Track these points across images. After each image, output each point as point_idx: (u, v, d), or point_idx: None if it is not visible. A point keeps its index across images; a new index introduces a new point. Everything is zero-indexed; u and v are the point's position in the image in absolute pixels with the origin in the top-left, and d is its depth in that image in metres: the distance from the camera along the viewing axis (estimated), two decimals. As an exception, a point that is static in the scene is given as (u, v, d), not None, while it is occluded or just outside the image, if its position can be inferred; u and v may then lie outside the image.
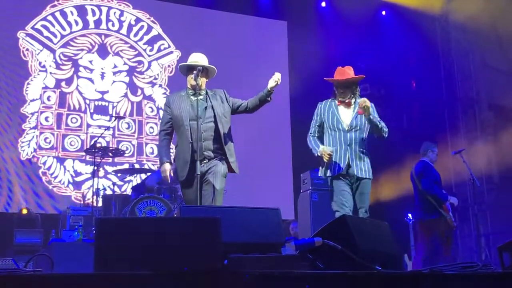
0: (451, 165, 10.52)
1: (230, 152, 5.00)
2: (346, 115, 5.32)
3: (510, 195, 8.16)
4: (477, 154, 7.89)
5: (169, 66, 10.07)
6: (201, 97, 5.00)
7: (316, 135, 5.38)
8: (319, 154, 5.19)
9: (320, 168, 5.36)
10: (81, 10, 9.75)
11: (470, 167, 8.26)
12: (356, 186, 5.20)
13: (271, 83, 5.02)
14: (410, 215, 8.58)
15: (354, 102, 5.35)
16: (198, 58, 5.15)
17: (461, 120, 10.86)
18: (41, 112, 9.15)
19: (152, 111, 9.81)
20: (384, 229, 3.76)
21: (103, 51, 9.72)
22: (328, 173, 5.24)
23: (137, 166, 9.27)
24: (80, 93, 9.40)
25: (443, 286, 2.75)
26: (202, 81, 5.03)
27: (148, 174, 8.40)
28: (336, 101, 5.39)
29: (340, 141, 5.24)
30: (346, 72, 5.39)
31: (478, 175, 8.40)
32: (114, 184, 8.26)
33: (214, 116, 4.97)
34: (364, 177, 5.20)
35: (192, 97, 5.04)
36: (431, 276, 2.89)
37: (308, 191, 7.31)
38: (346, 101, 5.34)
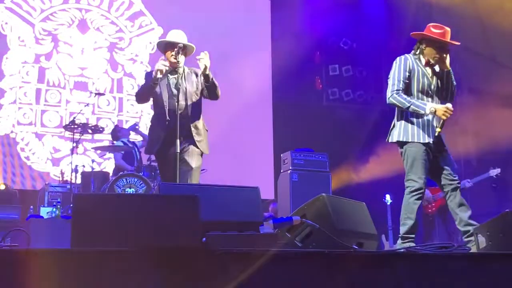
0: (430, 147, 10.59)
1: (197, 131, 4.96)
2: (432, 79, 4.74)
3: (488, 179, 8.28)
4: (456, 138, 7.97)
5: (150, 43, 9.96)
6: (178, 75, 4.96)
7: (402, 91, 4.61)
8: (428, 112, 4.48)
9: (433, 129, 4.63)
10: (61, -16, 9.60)
11: (448, 150, 8.34)
12: (441, 156, 4.72)
13: (200, 63, 4.80)
14: (388, 196, 8.68)
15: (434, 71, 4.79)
16: (177, 36, 5.08)
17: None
18: (20, 87, 9.03)
19: (133, 88, 9.71)
20: (362, 209, 3.79)
21: (83, 27, 9.58)
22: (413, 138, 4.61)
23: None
24: (60, 68, 9.28)
25: (418, 266, 2.78)
26: (181, 58, 4.99)
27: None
28: (423, 61, 4.74)
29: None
30: (448, 34, 4.72)
31: (456, 158, 8.46)
32: (93, 161, 8.21)
33: (185, 94, 4.93)
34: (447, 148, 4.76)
35: (169, 75, 5.00)
36: (406, 256, 2.93)
37: (288, 171, 7.33)
38: (431, 63, 4.73)
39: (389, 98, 4.65)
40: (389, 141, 4.84)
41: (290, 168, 7.33)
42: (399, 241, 4.53)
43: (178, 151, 4.74)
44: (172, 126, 4.81)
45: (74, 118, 7.72)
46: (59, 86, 9.25)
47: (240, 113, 9.54)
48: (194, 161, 4.84)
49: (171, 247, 2.44)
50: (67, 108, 9.21)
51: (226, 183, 3.65)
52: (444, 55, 4.67)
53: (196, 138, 4.95)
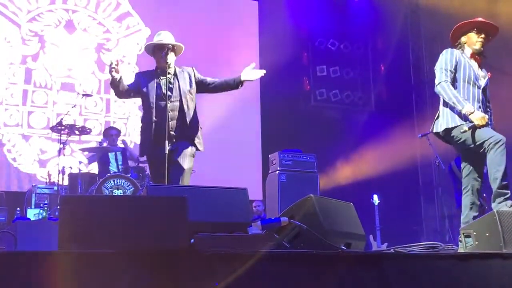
0: (418, 147, 10.67)
1: (194, 131, 4.98)
2: (480, 72, 4.73)
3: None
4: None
5: (138, 44, 9.93)
6: (169, 76, 4.95)
7: (450, 82, 4.60)
8: (464, 111, 4.46)
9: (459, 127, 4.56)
10: (48, -15, 9.54)
11: (436, 150, 8.40)
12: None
13: (246, 76, 5.02)
14: (375, 196, 8.71)
15: (481, 64, 4.79)
16: (164, 37, 5.07)
17: (428, 104, 10.99)
18: (6, 88, 8.96)
19: (120, 89, 9.66)
20: (349, 209, 3.80)
21: (70, 27, 9.53)
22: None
23: (104, 144, 9.16)
24: (46, 69, 9.23)
25: (406, 266, 2.80)
26: (171, 59, 4.98)
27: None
28: (468, 54, 4.75)
29: (474, 96, 4.63)
30: (479, 18, 4.75)
31: (443, 157, 8.53)
32: (80, 162, 8.17)
33: (180, 95, 4.94)
34: None
35: (161, 76, 4.99)
36: (394, 256, 2.94)
37: (276, 172, 7.33)
38: (478, 57, 4.75)
39: (436, 86, 4.67)
40: (435, 131, 4.78)
41: (278, 168, 7.33)
42: (497, 201, 4.36)
43: (167, 152, 4.74)
44: (162, 127, 4.80)
45: (61, 119, 7.68)
46: (46, 87, 9.19)
47: (228, 113, 9.54)
48: (186, 162, 4.84)
49: (159, 248, 2.44)
50: (54, 109, 9.15)
51: (214, 184, 3.64)
52: (484, 36, 4.71)
53: (193, 136, 4.96)
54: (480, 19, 4.78)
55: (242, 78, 5.04)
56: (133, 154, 8.47)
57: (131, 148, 8.86)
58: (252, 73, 5.08)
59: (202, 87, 5.13)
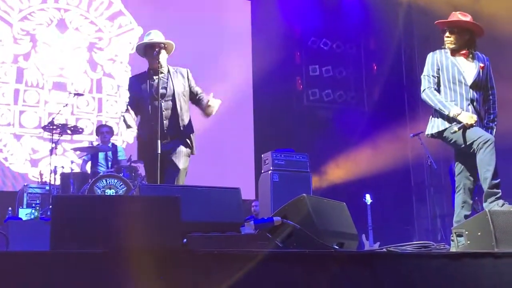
0: (410, 147, 10.71)
1: (187, 131, 4.97)
2: (468, 68, 4.67)
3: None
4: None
5: (130, 43, 9.91)
6: (162, 75, 4.93)
7: (434, 88, 4.66)
8: (451, 115, 4.50)
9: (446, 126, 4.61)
10: (39, -17, 9.50)
11: (428, 150, 8.43)
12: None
13: (208, 110, 5.01)
14: (368, 196, 8.73)
15: (473, 56, 4.71)
16: (154, 36, 5.05)
17: (420, 103, 11.02)
18: (-3, 88, 8.93)
19: (112, 88, 9.65)
20: (342, 209, 3.81)
21: (62, 26, 9.50)
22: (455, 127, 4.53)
23: (95, 143, 9.14)
24: (38, 68, 9.19)
25: (398, 265, 2.80)
26: (163, 57, 4.97)
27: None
28: (448, 51, 4.73)
29: (461, 95, 4.60)
30: (456, 16, 4.74)
31: (435, 157, 8.57)
32: (72, 162, 8.14)
33: (173, 94, 4.93)
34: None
35: (154, 76, 4.97)
36: (387, 255, 2.94)
37: (269, 172, 7.33)
38: (462, 51, 4.70)
39: (421, 94, 4.75)
40: (428, 133, 4.80)
41: (271, 168, 7.33)
42: (488, 200, 4.37)
43: (159, 151, 4.73)
44: (156, 127, 4.79)
45: (53, 118, 7.65)
46: (38, 87, 9.15)
47: (221, 113, 9.48)
48: (181, 162, 4.83)
49: (151, 248, 2.43)
50: (45, 109, 9.12)
51: (207, 184, 3.64)
52: (459, 40, 4.69)
53: (186, 138, 4.94)
54: (444, 20, 4.78)
55: (207, 113, 5.07)
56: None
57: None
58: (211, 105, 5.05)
59: (191, 95, 5.13)
